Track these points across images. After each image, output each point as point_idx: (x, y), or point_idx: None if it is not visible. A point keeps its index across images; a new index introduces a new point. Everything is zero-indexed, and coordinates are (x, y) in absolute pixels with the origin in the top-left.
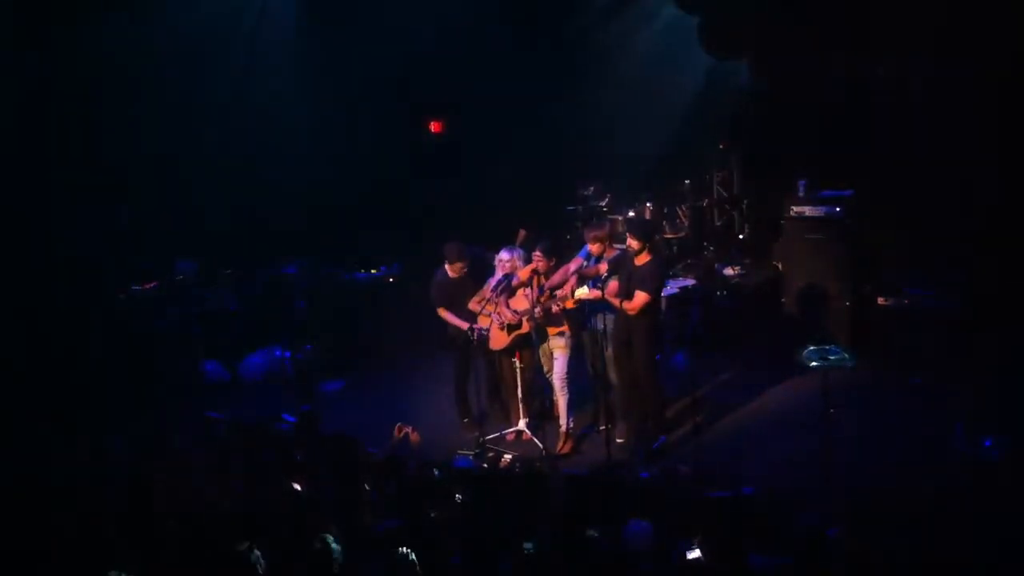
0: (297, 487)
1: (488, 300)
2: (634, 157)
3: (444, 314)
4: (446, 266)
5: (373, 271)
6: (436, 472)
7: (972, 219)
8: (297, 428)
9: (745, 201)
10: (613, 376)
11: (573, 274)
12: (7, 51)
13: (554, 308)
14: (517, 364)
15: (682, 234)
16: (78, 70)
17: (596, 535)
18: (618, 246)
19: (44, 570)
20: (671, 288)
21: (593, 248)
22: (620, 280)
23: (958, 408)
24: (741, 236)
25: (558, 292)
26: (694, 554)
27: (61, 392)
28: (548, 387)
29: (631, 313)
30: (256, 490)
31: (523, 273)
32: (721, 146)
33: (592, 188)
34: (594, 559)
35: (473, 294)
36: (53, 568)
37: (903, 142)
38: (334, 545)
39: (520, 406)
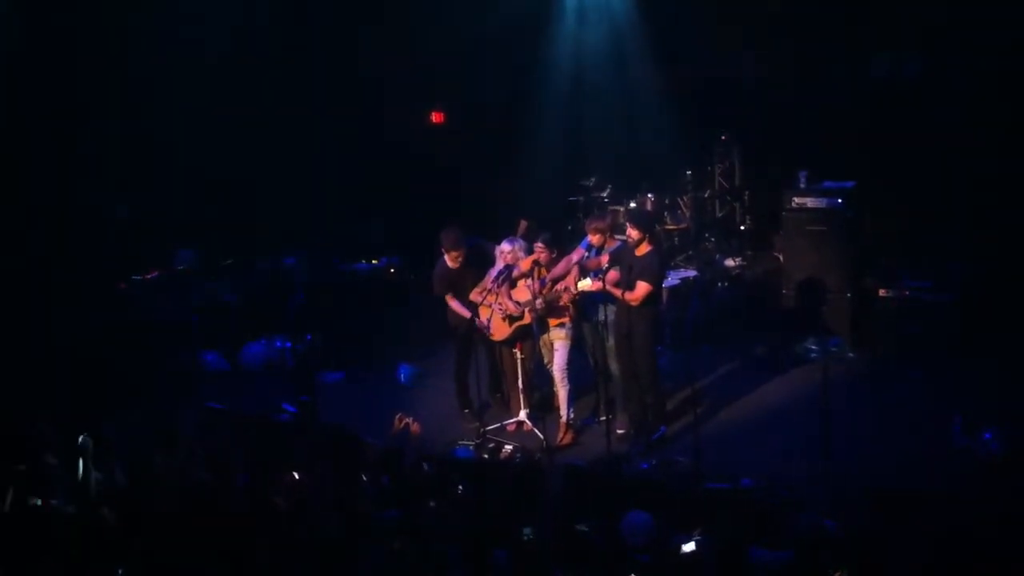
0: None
1: (489, 291)
2: (635, 147)
3: (450, 301)
4: (444, 255)
5: (373, 262)
6: (426, 466)
7: (973, 211)
8: (297, 419)
9: (746, 192)
10: (614, 367)
11: (575, 265)
12: (6, 45)
13: (563, 298)
14: (518, 355)
15: (683, 225)
16: (77, 62)
17: (588, 530)
18: (619, 237)
19: (46, 563)
20: (672, 279)
21: (594, 239)
22: (621, 271)
23: (958, 400)
24: (742, 227)
25: (560, 283)
26: (689, 546)
27: (61, 382)
28: (549, 378)
29: (633, 304)
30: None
31: (524, 264)
32: (723, 137)
33: (593, 179)
34: (592, 549)
35: (474, 284)
36: (55, 560)
37: (904, 133)
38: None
39: (521, 397)
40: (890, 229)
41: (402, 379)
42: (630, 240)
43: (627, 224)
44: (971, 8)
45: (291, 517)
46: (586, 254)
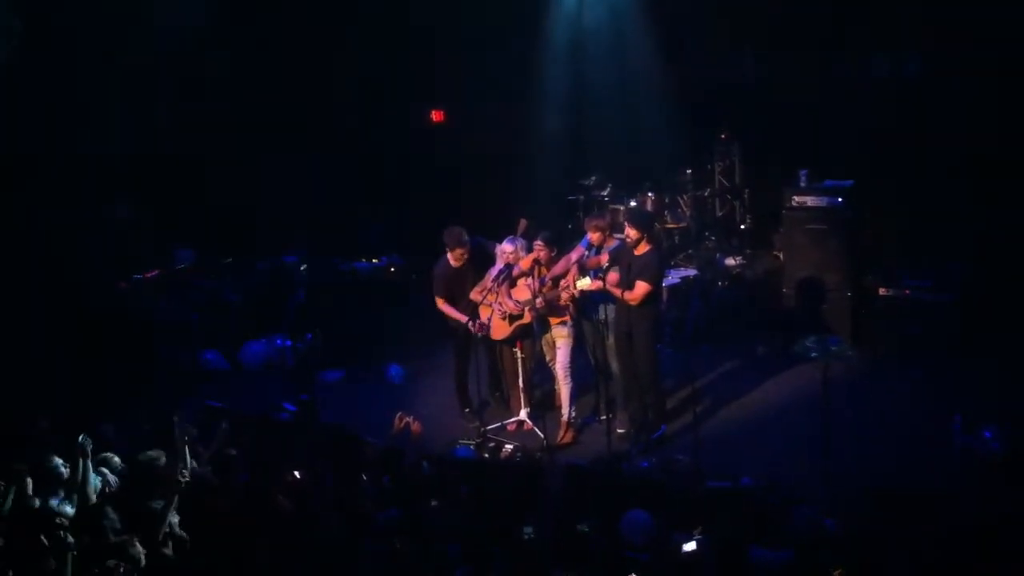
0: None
1: (489, 290)
2: (635, 146)
3: (443, 306)
4: (447, 254)
5: (373, 261)
6: (425, 465)
7: (973, 211)
8: (297, 418)
9: (747, 191)
10: (614, 366)
11: (574, 264)
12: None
13: (563, 297)
14: (518, 354)
15: (683, 224)
16: (77, 61)
17: (588, 530)
18: (618, 236)
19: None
20: (672, 278)
21: (593, 237)
22: (620, 270)
23: (958, 400)
24: (742, 226)
25: (560, 282)
26: (690, 546)
27: (61, 381)
28: (550, 377)
29: (632, 303)
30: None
31: (525, 263)
32: (723, 136)
33: (593, 178)
34: (592, 548)
35: (474, 284)
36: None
37: (904, 132)
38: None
39: (521, 396)
40: (890, 229)
41: (393, 379)
42: (628, 240)
43: (625, 223)
44: (971, 8)
45: (291, 517)
46: (586, 253)
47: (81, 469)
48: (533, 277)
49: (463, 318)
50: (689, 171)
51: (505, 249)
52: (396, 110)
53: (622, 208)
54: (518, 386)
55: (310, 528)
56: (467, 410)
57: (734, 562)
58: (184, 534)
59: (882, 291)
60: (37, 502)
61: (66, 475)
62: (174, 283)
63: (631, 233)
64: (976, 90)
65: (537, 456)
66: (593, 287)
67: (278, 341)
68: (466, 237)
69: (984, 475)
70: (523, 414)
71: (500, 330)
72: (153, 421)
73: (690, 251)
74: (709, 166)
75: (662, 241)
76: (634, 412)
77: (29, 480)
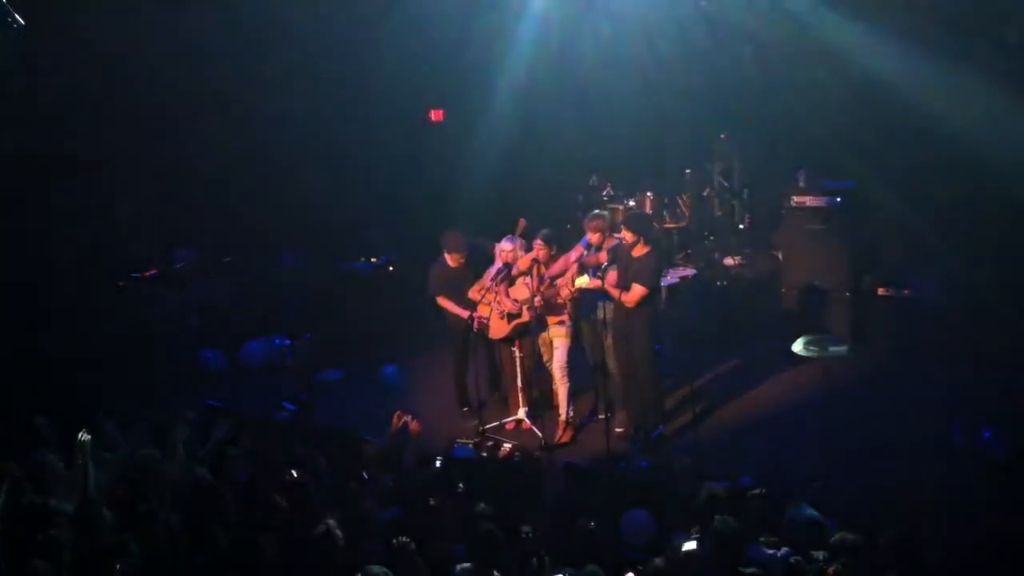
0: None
1: (488, 289)
2: (635, 146)
3: (443, 302)
4: (445, 255)
5: (373, 260)
6: (439, 462)
7: (972, 209)
8: (297, 417)
9: (746, 191)
10: (612, 365)
11: (574, 263)
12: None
13: (562, 294)
14: (516, 353)
15: (683, 224)
16: (80, 63)
17: (592, 526)
18: (617, 235)
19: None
20: (671, 278)
21: (593, 237)
22: (618, 271)
23: (958, 400)
24: (741, 226)
25: (558, 281)
26: (690, 545)
27: (60, 380)
28: (548, 376)
29: (629, 305)
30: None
31: (523, 262)
32: (722, 136)
33: (593, 177)
34: (591, 547)
35: (473, 284)
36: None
37: (902, 132)
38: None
39: (519, 395)
40: (890, 229)
41: (389, 379)
42: (624, 243)
43: (622, 226)
44: (971, 7)
45: (291, 516)
46: (585, 252)
47: (81, 467)
48: (532, 276)
49: (464, 313)
50: (689, 171)
51: (504, 248)
52: (396, 110)
53: (622, 208)
54: (516, 385)
55: (310, 528)
56: (466, 409)
57: (733, 561)
58: (180, 533)
59: (882, 291)
60: (36, 501)
61: (63, 474)
62: (173, 283)
63: (627, 236)
64: (975, 90)
65: (535, 455)
66: (592, 286)
67: (277, 340)
68: (464, 242)
69: (984, 476)
70: (521, 413)
71: (499, 329)
72: (152, 420)
73: (689, 251)
74: (708, 166)
75: (661, 242)
76: (632, 412)
77: (25, 479)
